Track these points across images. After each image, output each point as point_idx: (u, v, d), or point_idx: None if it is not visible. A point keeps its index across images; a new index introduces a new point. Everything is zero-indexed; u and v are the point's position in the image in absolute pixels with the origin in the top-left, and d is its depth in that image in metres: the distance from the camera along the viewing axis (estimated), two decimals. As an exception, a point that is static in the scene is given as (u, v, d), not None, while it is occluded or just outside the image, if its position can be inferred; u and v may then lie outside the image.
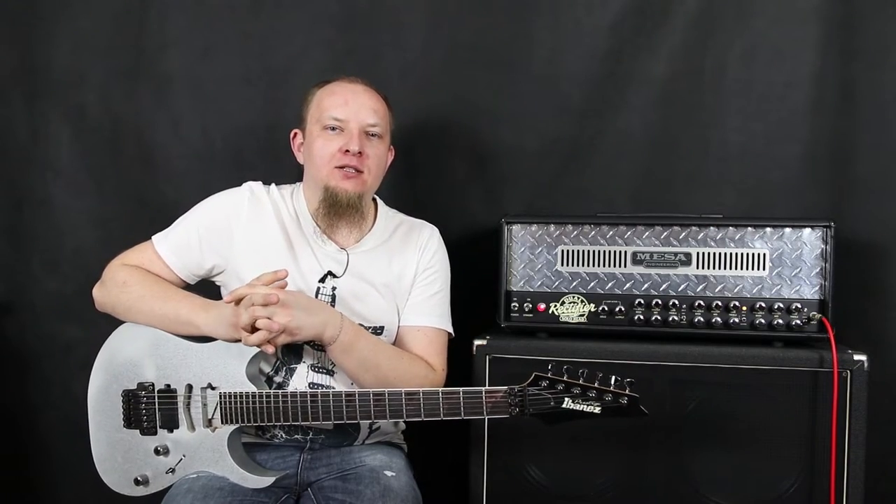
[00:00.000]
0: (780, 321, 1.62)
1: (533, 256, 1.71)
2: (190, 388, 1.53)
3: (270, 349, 1.46)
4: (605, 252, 1.69)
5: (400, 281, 1.67)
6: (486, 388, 1.42)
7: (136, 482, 1.56)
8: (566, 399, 1.37)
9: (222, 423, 1.51)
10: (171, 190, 2.14)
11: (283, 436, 1.62)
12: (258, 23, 2.12)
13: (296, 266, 1.61)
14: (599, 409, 1.37)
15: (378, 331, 1.63)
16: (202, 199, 1.70)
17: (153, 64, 2.15)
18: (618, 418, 1.37)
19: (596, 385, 1.37)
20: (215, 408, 1.51)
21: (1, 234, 2.23)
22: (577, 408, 1.37)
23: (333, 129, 1.60)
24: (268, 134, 2.09)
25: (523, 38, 2.05)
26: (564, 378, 1.38)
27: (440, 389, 1.42)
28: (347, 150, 1.58)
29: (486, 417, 1.43)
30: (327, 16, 2.10)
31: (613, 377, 1.37)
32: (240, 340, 1.47)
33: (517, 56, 2.05)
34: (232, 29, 2.13)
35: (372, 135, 1.62)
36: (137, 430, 1.56)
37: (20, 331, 2.22)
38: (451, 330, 1.70)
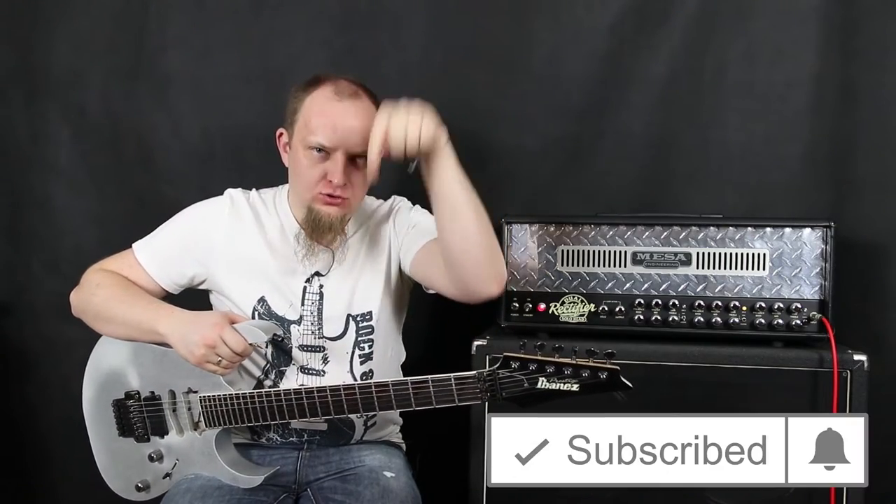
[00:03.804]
0: (780, 321, 1.62)
1: (533, 256, 1.71)
2: (173, 393, 1.54)
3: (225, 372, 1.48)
4: (605, 252, 1.69)
5: (381, 255, 1.66)
6: (456, 374, 1.37)
7: (138, 489, 1.58)
8: (541, 379, 1.31)
9: (206, 426, 1.51)
10: (171, 190, 2.14)
11: (279, 439, 1.62)
12: (258, 23, 2.12)
13: (279, 269, 1.61)
14: (577, 386, 1.30)
15: (367, 316, 1.62)
16: (202, 200, 1.70)
17: (153, 64, 2.15)
18: (599, 394, 1.30)
19: (572, 361, 1.31)
20: (200, 411, 1.51)
21: (1, 234, 2.23)
22: (553, 387, 1.30)
23: (319, 150, 1.53)
24: (268, 134, 2.08)
25: (523, 38, 2.04)
26: (537, 356, 1.32)
27: (409, 379, 1.40)
28: (332, 181, 1.53)
29: (458, 405, 1.38)
30: (327, 16, 2.10)
31: (591, 350, 1.31)
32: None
33: (517, 56, 2.05)
34: (232, 29, 2.13)
35: (358, 157, 1.54)
36: (132, 438, 1.57)
37: (20, 331, 2.23)
38: None
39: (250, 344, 1.47)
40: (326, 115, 1.53)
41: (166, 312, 1.53)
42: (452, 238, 1.47)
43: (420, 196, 1.90)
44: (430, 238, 1.59)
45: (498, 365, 1.35)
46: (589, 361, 1.30)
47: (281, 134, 1.66)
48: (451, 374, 1.38)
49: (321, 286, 1.62)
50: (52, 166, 2.19)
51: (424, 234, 1.62)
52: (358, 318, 1.62)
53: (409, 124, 1.37)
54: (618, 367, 1.30)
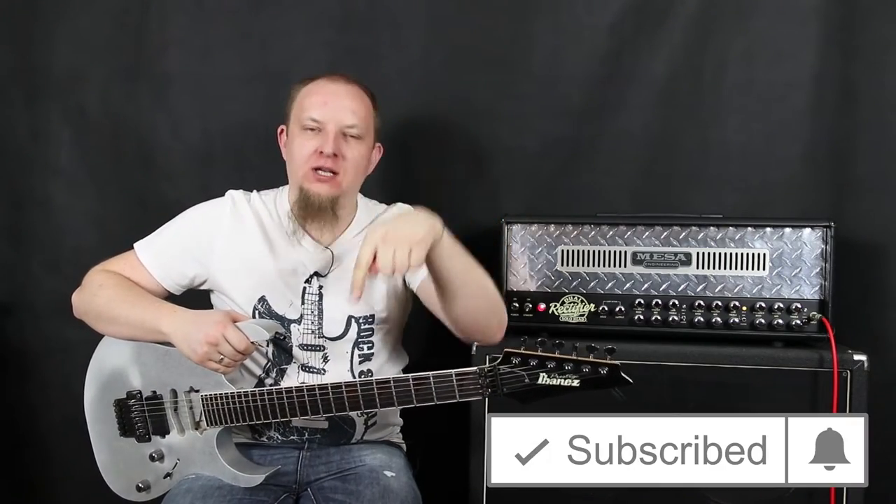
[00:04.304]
0: (780, 321, 1.62)
1: (533, 256, 1.71)
2: (175, 392, 1.54)
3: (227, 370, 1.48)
4: (605, 252, 1.69)
5: None
6: (457, 370, 1.37)
7: (139, 489, 1.58)
8: (541, 374, 1.31)
9: (208, 425, 1.51)
10: (171, 190, 2.14)
11: (280, 437, 1.62)
12: (258, 23, 2.12)
13: (279, 270, 1.61)
14: (578, 381, 1.30)
15: (369, 319, 1.63)
16: (202, 200, 1.70)
17: (153, 64, 2.15)
18: (600, 390, 1.30)
19: (573, 357, 1.31)
20: (201, 410, 1.51)
21: (1, 234, 2.23)
22: (554, 382, 1.31)
23: (311, 129, 1.58)
24: (268, 134, 2.08)
25: (523, 38, 2.05)
26: (538, 352, 1.32)
27: (410, 375, 1.40)
28: (322, 152, 1.56)
29: (459, 400, 1.39)
30: (327, 16, 2.10)
31: (592, 346, 1.31)
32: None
33: (517, 56, 2.05)
34: (232, 29, 2.13)
35: (351, 136, 1.58)
36: (133, 438, 1.57)
37: (20, 331, 2.23)
38: None
39: (252, 342, 1.47)
40: (319, 93, 1.60)
41: (169, 311, 1.53)
42: (454, 314, 1.50)
43: (421, 201, 1.90)
44: None
45: (499, 360, 1.35)
46: (589, 357, 1.31)
47: (281, 131, 1.69)
48: (453, 370, 1.38)
49: (320, 287, 1.62)
50: (52, 166, 2.19)
51: None
52: (360, 320, 1.62)
53: (398, 253, 1.31)
54: (618, 363, 1.30)
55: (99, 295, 1.59)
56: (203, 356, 1.46)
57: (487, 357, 1.61)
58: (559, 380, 1.32)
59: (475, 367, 1.37)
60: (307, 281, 1.62)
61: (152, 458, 1.55)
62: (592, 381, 1.31)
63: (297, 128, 1.61)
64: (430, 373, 1.40)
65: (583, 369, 1.31)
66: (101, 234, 2.17)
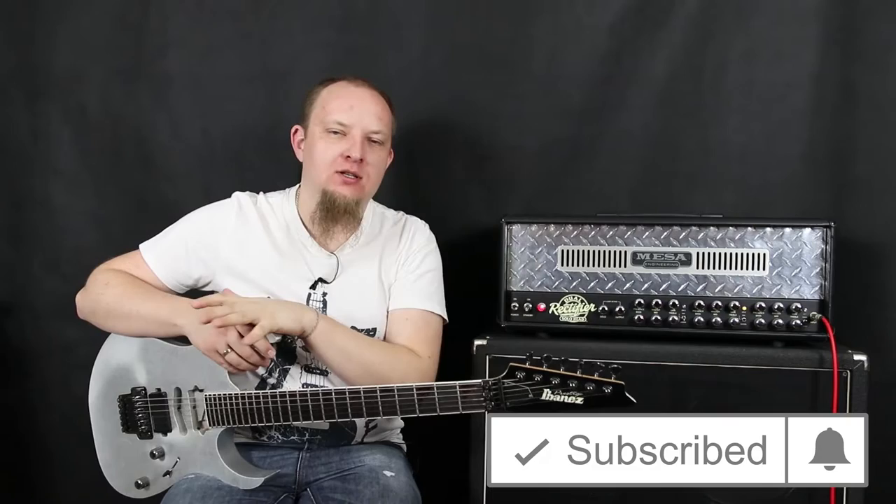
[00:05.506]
0: (780, 321, 1.62)
1: (533, 256, 1.71)
2: (179, 391, 1.54)
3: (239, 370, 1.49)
4: (605, 252, 1.69)
5: (386, 275, 1.66)
6: (461, 382, 1.38)
7: (138, 485, 1.58)
8: (545, 390, 1.31)
9: (210, 425, 1.51)
10: (171, 190, 2.14)
11: (280, 437, 1.62)
12: (258, 23, 2.12)
13: (284, 272, 1.61)
14: (581, 399, 1.30)
15: (371, 332, 1.62)
16: (202, 200, 1.71)
17: (153, 64, 2.15)
18: (603, 408, 1.31)
19: (577, 374, 1.31)
20: (205, 410, 1.52)
21: (1, 234, 2.23)
22: (558, 399, 1.31)
23: (336, 132, 1.58)
24: (268, 134, 2.09)
25: (523, 38, 2.05)
26: (543, 368, 1.32)
27: (413, 385, 1.40)
28: (349, 156, 1.57)
29: (462, 412, 1.39)
30: (327, 16, 2.10)
31: (598, 364, 1.31)
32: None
33: (517, 56, 2.05)
34: (232, 29, 2.13)
35: (374, 141, 1.61)
36: (135, 434, 1.57)
37: (20, 331, 2.23)
38: (442, 314, 1.65)
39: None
40: (343, 97, 1.61)
41: (185, 306, 1.53)
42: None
43: (421, 201, 1.91)
44: (411, 308, 1.62)
45: (503, 374, 1.35)
46: (594, 375, 1.30)
47: (296, 130, 1.69)
48: (457, 382, 1.38)
49: (325, 294, 1.62)
50: (52, 166, 2.19)
51: (414, 299, 1.63)
52: (362, 332, 1.62)
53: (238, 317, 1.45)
54: (622, 383, 1.30)
55: (106, 293, 1.60)
56: (211, 345, 1.46)
57: (487, 358, 1.62)
58: (563, 396, 1.32)
59: (479, 381, 1.37)
60: (312, 287, 1.62)
61: (153, 456, 1.56)
62: (596, 399, 1.30)
63: (319, 130, 1.60)
64: (434, 384, 1.40)
65: (587, 387, 1.30)
66: (101, 234, 2.17)
